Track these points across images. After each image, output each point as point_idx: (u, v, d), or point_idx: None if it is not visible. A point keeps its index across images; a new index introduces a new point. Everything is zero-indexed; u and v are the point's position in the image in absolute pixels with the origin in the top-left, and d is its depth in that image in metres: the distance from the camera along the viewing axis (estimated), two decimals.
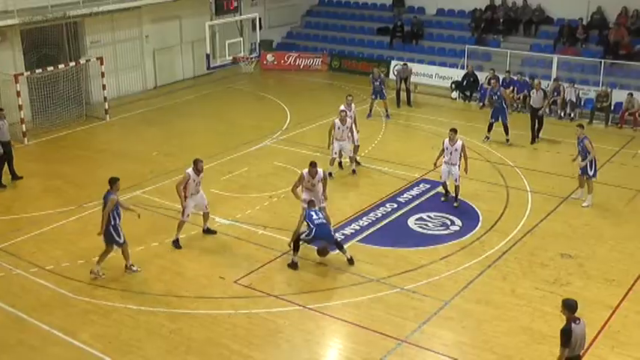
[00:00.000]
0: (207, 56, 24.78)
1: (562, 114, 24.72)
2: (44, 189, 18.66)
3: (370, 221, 16.28)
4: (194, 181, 15.14)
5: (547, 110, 24.95)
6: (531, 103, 22.51)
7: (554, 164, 19.87)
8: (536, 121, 22.04)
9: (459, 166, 16.65)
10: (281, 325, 12.33)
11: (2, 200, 17.78)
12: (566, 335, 9.25)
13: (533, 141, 21.81)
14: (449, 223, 16.17)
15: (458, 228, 15.94)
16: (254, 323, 12.37)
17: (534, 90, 22.42)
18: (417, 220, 16.36)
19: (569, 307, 9.43)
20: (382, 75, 24.71)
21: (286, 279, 13.88)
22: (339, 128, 18.49)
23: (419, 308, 12.75)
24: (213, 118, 24.74)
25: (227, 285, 13.62)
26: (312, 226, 13.86)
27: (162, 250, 14.96)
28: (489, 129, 21.79)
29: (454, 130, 16.78)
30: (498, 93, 21.67)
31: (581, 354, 9.58)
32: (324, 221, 14.16)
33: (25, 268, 14.30)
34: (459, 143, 16.62)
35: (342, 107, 19.39)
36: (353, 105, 19.82)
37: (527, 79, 25.34)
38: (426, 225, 16.11)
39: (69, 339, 11.94)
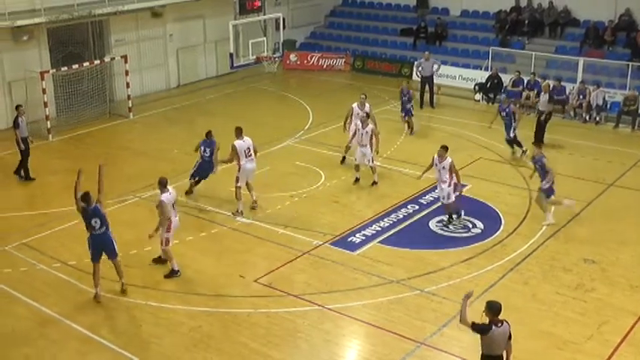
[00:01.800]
0: (231, 55, 24.88)
1: (587, 117, 24.46)
2: (67, 185, 18.60)
3: (391, 222, 16.22)
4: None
5: (572, 113, 24.77)
6: (539, 105, 22.05)
7: (577, 168, 19.67)
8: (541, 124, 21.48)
9: (448, 183, 15.89)
10: (300, 325, 12.32)
11: (26, 196, 17.96)
12: (478, 332, 9.43)
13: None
14: (470, 225, 16.06)
15: (479, 231, 15.84)
16: (273, 322, 12.37)
17: (543, 92, 21.99)
18: (438, 222, 16.27)
19: (491, 309, 9.43)
20: (411, 91, 23.47)
21: (306, 279, 13.87)
22: (357, 114, 19.12)
23: (438, 311, 12.68)
24: (236, 118, 24.70)
25: (247, 284, 13.64)
26: None
27: (183, 248, 15.00)
28: (518, 144, 20.61)
29: (445, 148, 16.03)
30: (507, 110, 20.50)
31: (502, 354, 9.58)
32: None
33: (48, 263, 14.44)
34: (448, 161, 15.75)
35: (354, 105, 19.71)
36: (368, 105, 19.72)
37: (539, 80, 25.12)
38: (447, 227, 16.02)
39: (90, 334, 12.03)
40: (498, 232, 15.76)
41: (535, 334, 11.98)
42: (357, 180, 18.32)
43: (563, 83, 25.12)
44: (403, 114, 22.97)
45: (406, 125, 22.91)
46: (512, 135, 20.44)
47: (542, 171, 15.95)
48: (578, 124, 24.09)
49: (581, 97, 24.65)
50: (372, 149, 18.32)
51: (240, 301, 13.10)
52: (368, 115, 18.78)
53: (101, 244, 12.90)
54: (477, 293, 13.18)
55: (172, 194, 13.88)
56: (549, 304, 12.96)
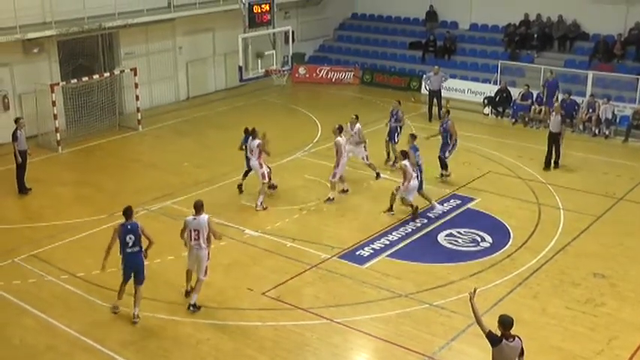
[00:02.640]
0: (240, 68, 24.93)
1: (597, 131, 24.40)
2: (76, 197, 18.88)
3: (400, 236, 16.18)
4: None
5: (581, 127, 24.71)
6: (550, 127, 21.08)
7: (587, 182, 19.60)
8: (553, 146, 20.61)
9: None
10: (308, 338, 12.28)
11: (35, 207, 18.02)
12: (490, 341, 9.37)
13: (547, 166, 20.48)
14: (479, 239, 16.01)
15: (488, 245, 15.78)
16: (281, 336, 12.34)
17: (553, 113, 21.15)
18: (447, 235, 16.23)
19: (503, 323, 9.39)
20: (401, 113, 21.29)
21: (314, 292, 13.84)
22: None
23: (447, 325, 12.62)
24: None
25: (255, 296, 13.61)
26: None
27: None
28: (444, 166, 19.62)
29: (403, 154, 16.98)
30: (445, 125, 19.44)
31: None
32: None
33: (57, 274, 14.45)
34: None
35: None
36: (358, 125, 19.46)
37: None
38: (456, 241, 15.97)
39: (98, 346, 12.02)
40: (507, 246, 15.70)
41: (545, 349, 11.91)
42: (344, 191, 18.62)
43: (572, 97, 25.10)
44: (387, 138, 21.08)
45: (386, 154, 21.03)
46: (445, 155, 19.44)
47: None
48: (588, 137, 24.03)
49: (590, 110, 24.61)
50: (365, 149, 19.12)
51: (249, 314, 13.08)
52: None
53: (133, 264, 12.70)
54: (486, 307, 13.14)
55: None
56: (559, 318, 12.88)
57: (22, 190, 18.80)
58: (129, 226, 12.60)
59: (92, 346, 12.04)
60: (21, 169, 18.78)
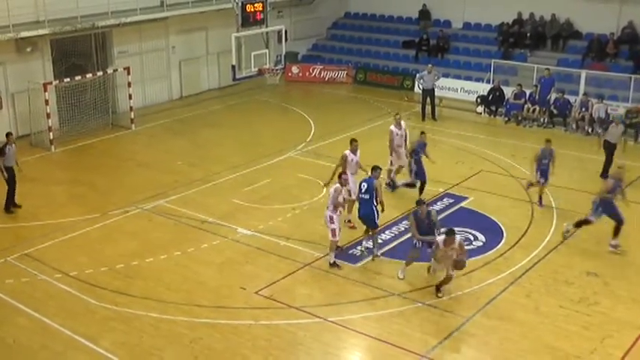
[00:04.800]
0: (233, 67, 24.92)
1: (590, 130, 24.44)
2: (70, 196, 18.84)
3: (393, 235, 16.20)
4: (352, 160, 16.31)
5: (574, 126, 24.77)
6: (608, 137, 20.33)
7: (580, 181, 19.64)
8: (611, 156, 19.97)
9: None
10: (301, 337, 12.29)
11: (29, 207, 17.96)
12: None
13: (603, 175, 19.50)
14: (472, 238, 16.04)
15: (481, 243, 15.81)
16: (274, 334, 12.34)
17: (614, 124, 20.69)
18: (440, 234, 16.21)
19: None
20: (404, 127, 18.92)
21: (307, 291, 13.84)
22: (397, 134, 18.56)
23: (440, 324, 12.64)
24: (238, 129, 24.84)
25: (248, 295, 13.61)
26: None
27: (185, 260, 15.01)
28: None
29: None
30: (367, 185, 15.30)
31: None
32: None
33: (50, 273, 14.42)
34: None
35: (391, 127, 18.85)
36: (403, 123, 19.01)
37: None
38: None
39: (91, 345, 12.00)
40: (500, 245, 15.73)
41: (539, 349, 11.94)
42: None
43: (565, 96, 25.17)
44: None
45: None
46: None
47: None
48: (581, 136, 24.08)
49: (583, 109, 24.66)
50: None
51: (242, 312, 13.08)
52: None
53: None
54: (480, 306, 13.22)
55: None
56: (552, 317, 12.90)
57: (8, 207, 17.56)
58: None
59: (86, 345, 12.02)
60: (9, 185, 17.52)
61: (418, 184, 18.15)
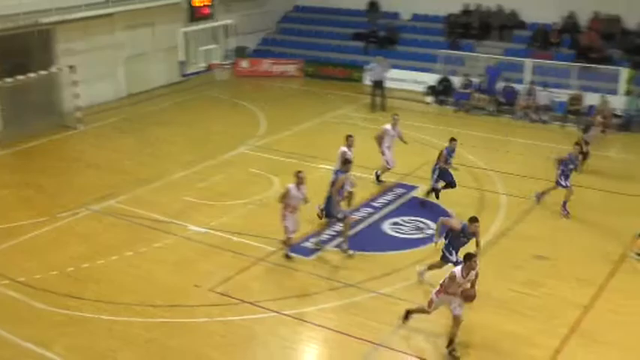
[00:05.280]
0: (182, 63, 24.73)
1: (535, 117, 24.92)
2: (17, 199, 18.44)
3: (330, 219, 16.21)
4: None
5: (520, 114, 25.22)
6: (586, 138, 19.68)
7: (527, 167, 20.01)
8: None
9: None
10: (257, 332, 12.29)
11: None
12: None
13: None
14: (423, 226, 16.22)
15: (432, 231, 15.95)
16: (230, 330, 12.31)
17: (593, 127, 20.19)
18: (392, 224, 16.40)
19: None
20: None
21: (262, 286, 13.84)
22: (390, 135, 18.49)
23: (395, 312, 12.73)
24: (188, 126, 24.64)
25: (202, 293, 13.54)
26: None
27: (137, 260, 14.85)
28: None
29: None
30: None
31: None
32: None
33: None
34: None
35: (387, 126, 18.79)
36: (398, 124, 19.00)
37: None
38: (401, 229, 16.16)
39: (42, 351, 11.77)
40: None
41: (490, 332, 12.13)
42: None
43: (511, 84, 25.61)
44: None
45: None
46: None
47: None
48: (526, 123, 24.53)
49: (529, 97, 25.13)
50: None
51: (196, 310, 13.01)
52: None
53: None
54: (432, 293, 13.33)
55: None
56: (503, 300, 13.14)
57: None
58: None
59: (36, 351, 11.78)
60: None
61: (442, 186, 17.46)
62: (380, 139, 18.59)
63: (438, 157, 17.22)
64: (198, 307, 13.10)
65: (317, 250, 15.16)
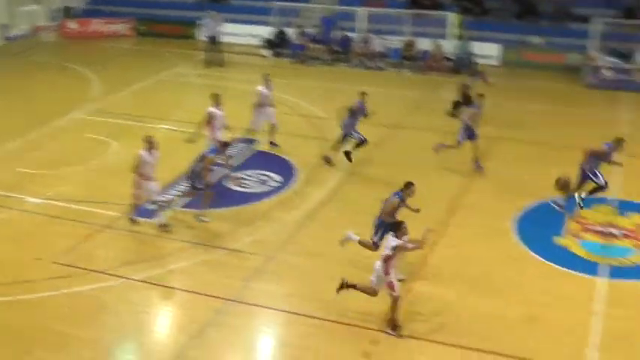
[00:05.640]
0: (3, 27, 23.12)
1: (371, 64, 25.60)
2: None
3: (189, 186, 16.06)
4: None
5: (356, 61, 25.83)
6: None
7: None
8: None
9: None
10: (106, 301, 11.96)
11: None
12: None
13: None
14: (266, 179, 16.34)
15: (276, 183, 16.17)
16: (77, 302, 11.89)
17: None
18: (235, 179, 16.41)
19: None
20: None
21: (108, 253, 13.44)
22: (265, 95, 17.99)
23: (244, 267, 12.83)
24: (15, 94, 23.20)
25: (45, 266, 12.95)
26: None
27: None
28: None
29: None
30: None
31: None
32: None
33: None
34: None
35: (260, 87, 18.35)
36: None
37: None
38: (246, 183, 16.22)
39: None
40: (294, 183, 16.20)
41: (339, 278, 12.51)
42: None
43: (347, 33, 26.12)
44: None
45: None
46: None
47: None
48: (363, 71, 25.15)
49: (364, 45, 25.75)
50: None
51: (40, 284, 12.42)
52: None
53: None
54: (280, 244, 13.53)
55: None
56: (357, 248, 13.44)
57: None
58: None
59: None
60: None
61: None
62: (257, 102, 18.17)
63: (351, 113, 16.95)
64: (42, 280, 12.54)
65: (162, 210, 14.89)
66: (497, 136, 18.90)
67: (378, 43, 25.84)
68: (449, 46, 25.69)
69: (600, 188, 14.80)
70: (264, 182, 16.21)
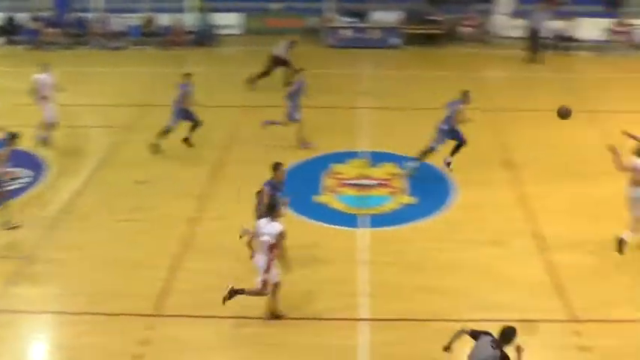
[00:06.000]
0: None
1: (111, 45, 24.75)
2: None
3: None
4: None
5: (95, 43, 24.80)
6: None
7: (120, 95, 19.80)
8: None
9: None
10: None
11: None
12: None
13: None
14: (17, 177, 14.90)
15: (29, 179, 15.05)
16: None
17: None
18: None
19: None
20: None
21: None
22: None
23: (4, 271, 11.82)
24: None
25: None
26: None
27: None
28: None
29: None
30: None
31: None
32: None
33: None
34: None
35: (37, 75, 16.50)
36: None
37: None
38: None
39: None
40: (46, 177, 15.24)
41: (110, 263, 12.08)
42: None
43: (82, 14, 25.02)
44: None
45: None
46: None
47: None
48: (103, 52, 24.33)
49: (101, 25, 24.99)
50: None
51: None
52: None
53: None
54: (35, 242, 12.67)
55: None
56: (115, 231, 13.14)
57: None
58: None
59: None
60: None
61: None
62: (35, 93, 16.54)
63: (183, 99, 16.03)
64: None
65: None
66: (242, 105, 19.21)
67: (116, 22, 25.10)
68: (190, 19, 25.58)
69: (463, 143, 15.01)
70: (15, 180, 14.85)
